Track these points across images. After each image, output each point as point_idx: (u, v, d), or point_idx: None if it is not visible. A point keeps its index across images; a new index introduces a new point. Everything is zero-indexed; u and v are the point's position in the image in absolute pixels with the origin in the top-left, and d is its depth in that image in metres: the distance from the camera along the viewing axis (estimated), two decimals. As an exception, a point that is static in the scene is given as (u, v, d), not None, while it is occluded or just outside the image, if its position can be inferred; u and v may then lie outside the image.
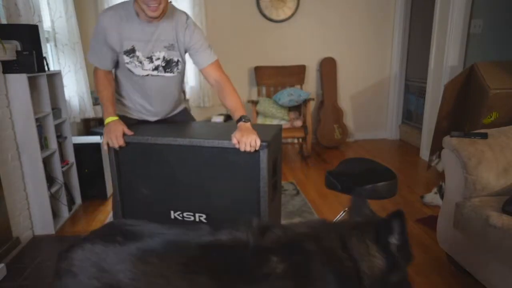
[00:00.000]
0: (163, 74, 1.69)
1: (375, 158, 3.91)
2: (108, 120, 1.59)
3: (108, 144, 1.57)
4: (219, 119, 4.03)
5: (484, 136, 1.82)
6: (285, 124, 3.85)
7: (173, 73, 1.72)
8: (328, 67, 4.28)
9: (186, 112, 2.00)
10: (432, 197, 2.66)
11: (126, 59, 1.63)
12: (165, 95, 1.79)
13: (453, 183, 1.87)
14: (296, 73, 4.19)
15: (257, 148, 1.43)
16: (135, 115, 1.82)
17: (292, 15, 4.13)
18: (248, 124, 1.52)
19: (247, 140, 1.42)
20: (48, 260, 2.13)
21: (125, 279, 0.88)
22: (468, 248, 1.73)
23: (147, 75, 1.67)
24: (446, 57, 3.36)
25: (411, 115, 4.51)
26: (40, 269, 2.05)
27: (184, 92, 3.97)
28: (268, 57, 4.20)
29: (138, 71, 1.66)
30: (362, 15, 4.27)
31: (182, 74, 1.80)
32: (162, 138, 1.55)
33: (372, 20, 4.31)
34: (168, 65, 1.68)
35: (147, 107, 1.79)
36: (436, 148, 3.20)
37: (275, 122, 3.84)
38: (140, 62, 1.64)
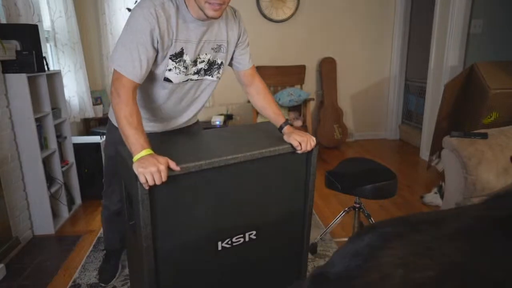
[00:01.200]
0: (203, 77, 1.43)
1: (375, 158, 3.91)
2: (141, 154, 1.13)
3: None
4: (219, 119, 4.03)
5: (484, 136, 1.82)
6: (285, 124, 3.85)
7: (213, 77, 1.46)
8: (328, 67, 4.28)
9: (199, 124, 1.76)
10: (432, 197, 2.66)
11: (171, 64, 1.30)
12: (196, 103, 1.52)
13: (453, 183, 1.87)
14: (296, 73, 4.19)
15: (313, 147, 1.40)
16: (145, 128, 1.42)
17: (292, 15, 4.13)
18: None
19: (308, 140, 1.37)
20: (48, 260, 2.13)
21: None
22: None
23: (187, 80, 1.39)
24: (446, 57, 3.36)
25: (411, 115, 4.51)
26: (40, 269, 2.05)
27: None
28: (268, 57, 4.20)
29: (178, 78, 1.35)
30: (362, 15, 4.27)
31: (218, 80, 1.52)
32: (219, 159, 1.22)
33: (372, 20, 4.31)
34: (210, 67, 1.43)
35: (165, 116, 1.49)
36: (436, 148, 3.20)
37: (275, 122, 3.84)
38: (186, 68, 1.34)
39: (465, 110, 2.85)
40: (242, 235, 1.40)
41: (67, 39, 3.21)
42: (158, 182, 1.10)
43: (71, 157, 2.79)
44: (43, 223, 2.42)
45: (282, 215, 1.48)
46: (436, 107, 3.52)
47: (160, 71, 1.31)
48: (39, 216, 2.41)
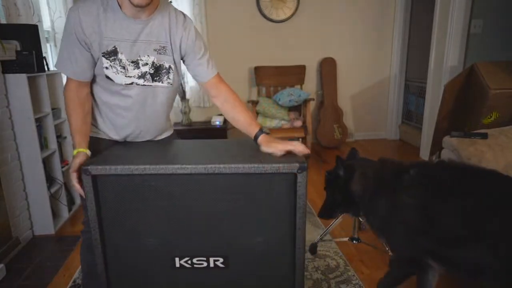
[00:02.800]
0: (150, 83, 1.33)
1: (375, 158, 3.91)
2: (73, 153, 1.26)
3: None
4: (219, 119, 4.03)
5: (484, 136, 1.82)
6: (285, 124, 3.85)
7: (163, 82, 1.35)
8: (328, 67, 4.28)
9: (175, 138, 1.63)
10: None
11: (106, 62, 1.26)
12: (151, 112, 1.40)
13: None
14: (296, 73, 4.19)
15: (305, 152, 1.26)
16: (109, 134, 1.41)
17: (292, 15, 4.13)
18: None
19: (297, 147, 1.24)
20: (48, 260, 2.13)
21: None
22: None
23: (131, 83, 1.31)
24: (446, 57, 3.36)
25: (411, 115, 4.51)
26: (40, 269, 2.05)
27: (184, 91, 3.97)
28: (268, 57, 4.20)
29: (119, 78, 1.29)
30: (362, 15, 4.27)
31: (175, 88, 1.42)
32: (164, 166, 1.15)
33: (372, 20, 4.31)
34: (157, 72, 1.33)
35: (126, 126, 1.40)
36: (436, 148, 3.20)
37: (275, 122, 3.84)
38: (123, 68, 1.28)
39: (465, 110, 2.85)
40: (204, 259, 1.26)
41: (67, 39, 3.21)
42: (78, 191, 1.23)
43: (71, 157, 2.79)
44: (43, 223, 2.42)
45: (260, 243, 1.24)
46: (436, 107, 3.52)
47: (98, 68, 1.29)
48: (39, 216, 2.40)
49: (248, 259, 1.27)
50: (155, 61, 1.32)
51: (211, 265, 1.26)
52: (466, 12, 3.23)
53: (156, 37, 1.30)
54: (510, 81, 2.58)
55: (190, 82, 4.09)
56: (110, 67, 1.27)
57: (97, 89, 1.35)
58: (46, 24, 3.02)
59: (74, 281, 1.91)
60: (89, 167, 1.16)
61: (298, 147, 1.24)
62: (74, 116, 1.28)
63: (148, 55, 1.30)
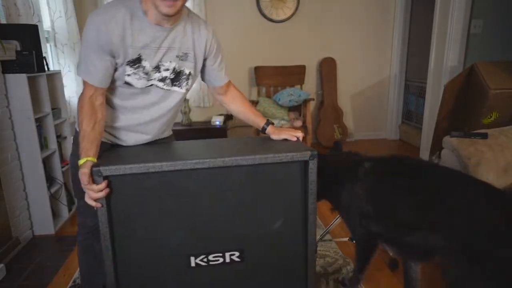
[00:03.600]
0: (169, 87, 1.34)
1: (375, 158, 3.91)
2: (81, 161, 1.16)
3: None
4: (219, 119, 4.03)
5: (484, 136, 1.82)
6: (285, 124, 3.85)
7: (181, 88, 1.36)
8: (328, 67, 4.28)
9: (172, 139, 1.63)
10: None
11: (129, 70, 1.26)
12: (163, 115, 1.41)
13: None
14: (296, 73, 4.19)
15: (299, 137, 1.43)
16: (107, 138, 1.38)
17: (292, 15, 4.13)
18: None
19: (295, 133, 1.42)
20: (48, 261, 2.13)
21: None
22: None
23: (151, 85, 1.32)
24: (446, 57, 3.36)
25: (411, 115, 4.51)
26: (40, 269, 2.05)
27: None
28: (268, 57, 4.20)
29: (141, 83, 1.29)
30: (362, 15, 4.27)
31: (187, 92, 1.43)
32: (182, 161, 1.16)
33: (372, 20, 4.31)
34: (178, 77, 1.34)
35: (134, 126, 1.39)
36: (436, 148, 3.20)
37: (275, 122, 3.84)
38: (146, 73, 1.28)
39: (465, 110, 2.85)
40: (221, 254, 1.28)
41: (67, 39, 3.21)
42: (92, 204, 1.16)
43: (71, 157, 2.79)
44: (43, 223, 2.42)
45: (274, 238, 1.30)
46: (436, 107, 3.52)
47: (119, 75, 1.27)
48: (39, 216, 2.41)
49: (263, 249, 1.31)
50: (176, 67, 1.32)
51: (227, 260, 1.29)
52: (466, 12, 3.23)
53: (179, 44, 1.30)
54: (510, 81, 2.58)
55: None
56: (133, 74, 1.26)
57: (111, 94, 1.33)
58: (46, 24, 3.02)
59: (74, 281, 1.91)
60: (100, 168, 1.11)
61: (301, 135, 1.42)
62: (85, 121, 1.22)
63: (170, 61, 1.30)
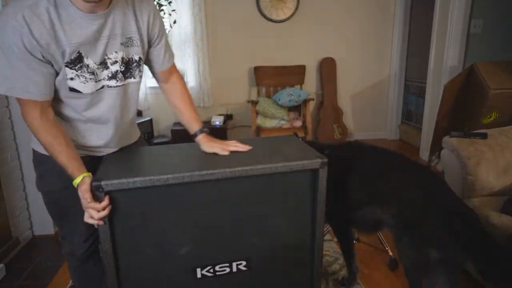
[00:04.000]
0: (123, 82, 1.17)
1: (375, 158, 3.91)
2: (77, 181, 1.07)
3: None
4: (219, 119, 4.03)
5: (484, 136, 1.82)
6: (284, 124, 3.85)
7: (135, 78, 1.20)
8: (328, 67, 4.28)
9: (142, 140, 1.50)
10: None
11: (71, 73, 1.04)
12: (126, 114, 1.26)
13: (453, 183, 1.86)
14: (295, 73, 4.19)
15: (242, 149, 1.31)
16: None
17: (292, 15, 4.13)
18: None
19: (239, 147, 1.31)
20: (48, 261, 2.13)
21: None
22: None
23: (102, 87, 1.13)
24: (446, 57, 3.36)
25: (411, 115, 4.51)
26: (40, 270, 2.05)
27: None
28: (268, 57, 4.20)
29: (88, 87, 1.10)
30: (362, 15, 4.27)
31: (141, 78, 1.26)
32: (189, 173, 1.11)
33: (371, 20, 4.31)
34: (128, 68, 1.17)
35: (97, 136, 1.24)
36: (436, 148, 3.20)
37: (274, 122, 3.84)
38: (93, 73, 1.09)
39: (465, 110, 2.85)
40: (227, 264, 1.25)
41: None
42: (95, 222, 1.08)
43: (71, 157, 2.79)
44: (43, 223, 2.42)
45: (281, 247, 1.29)
46: (436, 107, 3.52)
47: (59, 81, 1.06)
48: (38, 217, 2.40)
49: (270, 257, 1.30)
50: (124, 56, 1.14)
51: (234, 269, 1.27)
52: (466, 12, 3.23)
53: (120, 29, 1.11)
54: (510, 81, 2.58)
55: (190, 82, 4.09)
56: (76, 77, 1.06)
57: (59, 106, 1.13)
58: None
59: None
60: (102, 183, 1.06)
61: (240, 147, 1.30)
62: (55, 142, 1.07)
63: (116, 52, 1.12)
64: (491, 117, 2.66)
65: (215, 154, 1.30)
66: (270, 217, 1.26)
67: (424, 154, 3.79)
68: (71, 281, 1.92)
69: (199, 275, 1.25)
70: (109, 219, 1.12)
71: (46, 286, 1.90)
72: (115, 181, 1.09)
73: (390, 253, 1.98)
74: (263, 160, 1.22)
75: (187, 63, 4.01)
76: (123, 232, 1.16)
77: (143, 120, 3.83)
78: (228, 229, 1.24)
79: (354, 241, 2.14)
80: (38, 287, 1.89)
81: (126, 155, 1.35)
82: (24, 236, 2.32)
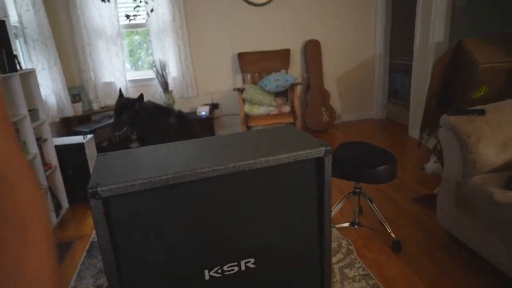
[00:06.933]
0: None
1: (364, 138, 3.91)
2: None
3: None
4: (205, 109, 3.92)
5: (482, 112, 1.80)
6: (273, 110, 3.78)
7: None
8: (312, 49, 4.20)
9: None
10: (433, 167, 2.61)
11: None
12: None
13: (452, 161, 1.85)
14: (280, 58, 4.10)
15: None
16: None
17: (273, -3, 4.01)
18: None
19: None
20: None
21: None
22: (471, 226, 1.72)
23: None
24: (432, 33, 3.34)
25: (397, 94, 4.50)
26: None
27: (166, 83, 3.83)
28: (251, 43, 4.09)
29: None
30: (344, -6, 4.19)
31: None
32: (191, 171, 1.06)
33: (354, 0, 4.24)
34: None
35: None
36: (426, 125, 3.20)
37: (262, 109, 3.76)
38: None
39: (454, 86, 2.84)
40: (235, 263, 1.22)
41: (38, 34, 3.01)
42: None
43: (54, 160, 2.65)
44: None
45: (289, 240, 1.26)
46: (423, 84, 3.51)
47: None
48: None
49: (278, 252, 1.27)
50: None
51: (243, 268, 1.24)
52: (449, -14, 3.19)
53: None
54: (498, 55, 2.57)
55: (172, 73, 3.94)
56: None
57: None
58: (13, 19, 2.83)
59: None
60: (98, 189, 1.00)
61: None
62: None
63: None
64: (481, 91, 2.66)
65: (214, 149, 1.25)
66: (276, 210, 1.23)
67: (413, 132, 3.81)
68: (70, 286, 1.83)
69: (207, 277, 1.21)
70: (108, 226, 1.05)
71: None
72: (112, 186, 1.02)
73: (393, 235, 1.97)
74: (266, 153, 1.17)
75: (168, 53, 3.86)
76: (124, 239, 1.09)
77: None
78: (234, 227, 1.20)
79: (356, 226, 2.13)
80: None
81: (118, 156, 1.28)
82: (12, 246, 2.19)
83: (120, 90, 2.58)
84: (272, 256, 1.27)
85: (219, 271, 1.22)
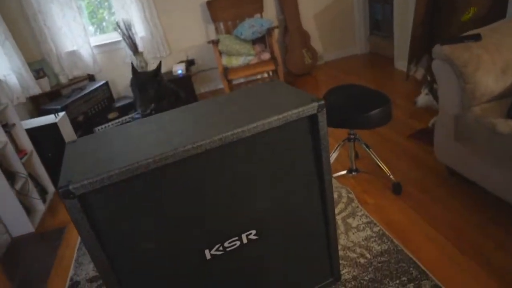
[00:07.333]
0: None
1: (349, 76, 3.77)
2: None
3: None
4: (180, 67, 3.69)
5: (478, 38, 1.67)
6: (252, 59, 3.57)
7: None
8: (286, -13, 3.89)
9: None
10: (425, 100, 2.53)
11: None
12: None
13: (448, 94, 1.75)
14: (252, 2, 3.79)
15: None
16: None
17: None
18: None
19: None
20: (36, 262, 1.95)
21: None
22: (472, 159, 1.67)
23: None
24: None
25: (379, 25, 4.29)
26: (30, 277, 1.87)
27: (135, 44, 3.54)
28: (219, -13, 3.74)
29: None
30: None
31: None
32: (173, 150, 0.95)
33: None
34: None
35: None
36: (414, 55, 3.06)
37: (241, 59, 3.54)
38: None
39: (440, 13, 2.67)
40: (237, 238, 1.16)
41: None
42: None
43: (28, 145, 2.47)
44: (18, 224, 2.20)
45: (289, 205, 1.19)
46: (406, 11, 3.31)
47: None
48: (11, 218, 2.17)
49: (280, 219, 1.20)
50: None
51: (244, 241, 1.18)
52: None
53: None
54: (486, -29, 2.38)
55: (139, 33, 3.63)
56: None
57: None
58: None
59: (72, 279, 1.77)
60: (70, 187, 0.88)
61: None
62: None
63: None
64: (469, 13, 2.50)
65: (195, 119, 1.13)
66: (271, 178, 1.14)
67: (399, 64, 3.67)
68: (68, 280, 1.77)
69: (208, 257, 1.16)
70: (93, 228, 0.95)
71: (42, 291, 1.75)
72: (86, 181, 0.90)
73: (392, 178, 1.92)
74: (254, 117, 1.06)
75: (130, 11, 3.52)
76: (111, 235, 0.99)
77: (97, 85, 3.43)
78: (230, 201, 1.11)
79: (354, 173, 2.08)
80: (34, 294, 1.74)
81: (88, 142, 1.15)
82: (1, 242, 2.10)
83: (132, 64, 2.38)
84: (273, 224, 1.21)
85: (220, 248, 1.16)
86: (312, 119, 1.12)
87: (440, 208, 1.75)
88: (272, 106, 1.12)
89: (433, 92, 2.54)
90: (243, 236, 1.18)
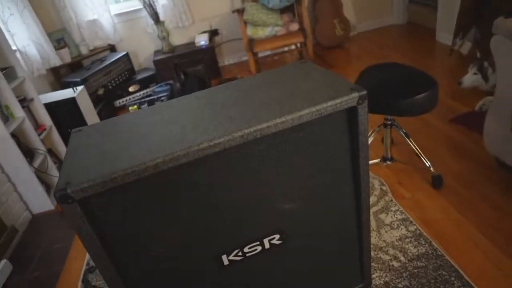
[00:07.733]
0: None
1: (385, 49, 3.47)
2: None
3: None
4: (203, 38, 3.50)
5: (552, 10, 1.39)
6: (279, 30, 3.33)
7: None
8: (318, -52, 3.54)
9: None
10: (472, 80, 2.27)
11: None
12: None
13: (509, 76, 1.50)
14: (282, -36, 3.48)
15: None
16: None
17: None
18: None
19: None
20: (55, 243, 1.93)
21: None
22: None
23: None
24: None
25: (420, -9, 3.89)
26: (48, 256, 1.85)
27: (156, 13, 3.36)
28: (245, -50, 3.45)
29: None
30: None
31: None
32: (185, 149, 0.82)
33: None
34: None
35: None
36: (461, 28, 2.74)
37: (267, 30, 3.31)
38: None
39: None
40: (258, 243, 1.04)
41: (-6, -27, 2.56)
42: None
43: (47, 120, 2.42)
44: (39, 201, 2.17)
45: (319, 209, 1.06)
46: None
47: None
48: (31, 195, 2.15)
49: (306, 222, 1.07)
50: None
51: (267, 246, 1.06)
52: None
53: None
54: None
55: (161, 1, 3.44)
56: None
57: None
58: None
59: (88, 264, 1.73)
60: (68, 190, 0.77)
61: None
62: None
63: None
64: (534, -22, 2.16)
65: (213, 110, 0.98)
66: (299, 179, 0.99)
67: (441, 36, 3.32)
68: (84, 264, 1.73)
69: (226, 262, 1.04)
70: (98, 235, 0.84)
71: (59, 273, 1.72)
72: (86, 184, 0.78)
73: (432, 169, 1.73)
74: (281, 110, 0.89)
75: (151, -24, 3.31)
76: (117, 242, 0.88)
77: (118, 56, 3.32)
78: (251, 204, 0.98)
79: (388, 162, 1.89)
80: (51, 277, 1.71)
81: (95, 132, 1.03)
82: (21, 221, 2.08)
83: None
84: (299, 229, 1.08)
85: (239, 253, 1.04)
86: (351, 113, 0.94)
87: (488, 207, 1.55)
88: (303, 96, 0.95)
89: (483, 71, 2.26)
90: (265, 241, 1.05)
